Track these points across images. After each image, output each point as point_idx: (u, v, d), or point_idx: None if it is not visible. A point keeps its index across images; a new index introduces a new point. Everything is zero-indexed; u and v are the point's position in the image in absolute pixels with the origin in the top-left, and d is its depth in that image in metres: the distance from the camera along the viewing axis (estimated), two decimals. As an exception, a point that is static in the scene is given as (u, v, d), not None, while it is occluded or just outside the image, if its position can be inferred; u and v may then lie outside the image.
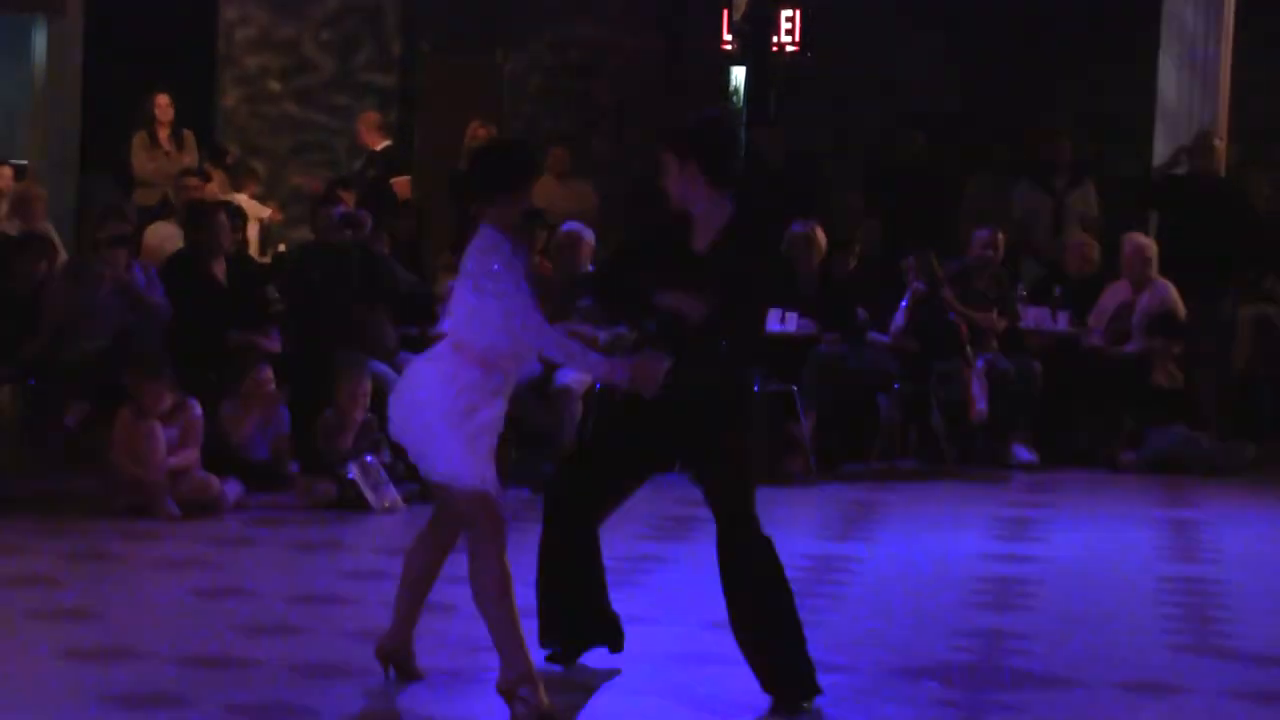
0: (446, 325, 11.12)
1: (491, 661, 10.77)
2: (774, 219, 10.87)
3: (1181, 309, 19.55)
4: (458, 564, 13.44)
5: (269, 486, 15.35)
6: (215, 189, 20.07)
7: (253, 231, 19.59)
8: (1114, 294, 19.86)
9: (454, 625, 11.80)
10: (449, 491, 10.15)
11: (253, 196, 20.67)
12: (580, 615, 11.05)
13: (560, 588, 10.94)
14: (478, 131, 22.95)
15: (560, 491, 11.09)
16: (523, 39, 25.09)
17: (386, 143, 22.36)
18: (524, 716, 9.43)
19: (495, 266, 9.78)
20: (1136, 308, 19.60)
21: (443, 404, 9.91)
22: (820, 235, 18.88)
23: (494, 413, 10.17)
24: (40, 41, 23.11)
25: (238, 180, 21.06)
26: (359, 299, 16.58)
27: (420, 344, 16.91)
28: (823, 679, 10.82)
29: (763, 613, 10.48)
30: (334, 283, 16.54)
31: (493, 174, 10.48)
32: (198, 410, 15.17)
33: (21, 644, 11.10)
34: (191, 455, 14.94)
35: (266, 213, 20.47)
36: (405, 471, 15.77)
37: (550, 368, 16.82)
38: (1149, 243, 20.05)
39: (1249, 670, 11.53)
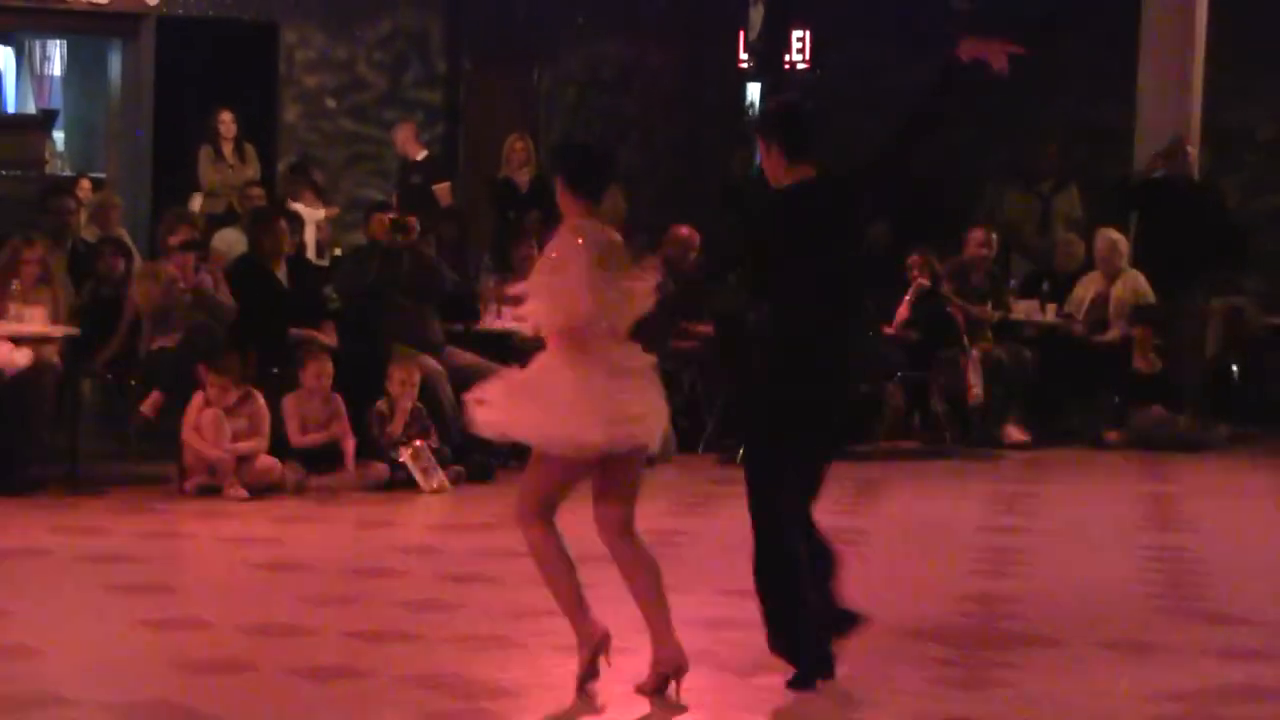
0: None
1: (535, 628, 10.81)
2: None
3: (1152, 297, 19.58)
4: (500, 538, 13.48)
5: (327, 469, 15.34)
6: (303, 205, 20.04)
7: (310, 235, 19.55)
8: (1088, 285, 19.91)
9: (500, 595, 11.82)
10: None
11: (308, 204, 20.62)
12: None
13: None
14: (516, 144, 22.94)
15: None
16: (556, 57, 25.08)
17: (425, 153, 22.33)
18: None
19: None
20: (1112, 297, 19.65)
21: None
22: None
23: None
24: (116, 63, 23.10)
25: (296, 189, 21.02)
26: (408, 297, 16.56)
27: (464, 339, 16.96)
28: (834, 641, 10.87)
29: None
30: (386, 283, 16.52)
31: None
32: (261, 401, 15.21)
33: (102, 614, 11.11)
34: (257, 442, 14.96)
35: (321, 214, 20.39)
36: (451, 456, 15.84)
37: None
38: (1120, 237, 20.08)
39: (1222, 630, 11.52)
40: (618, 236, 10.04)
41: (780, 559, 10.12)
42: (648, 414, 9.90)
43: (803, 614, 10.04)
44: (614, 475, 10.01)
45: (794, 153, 10.61)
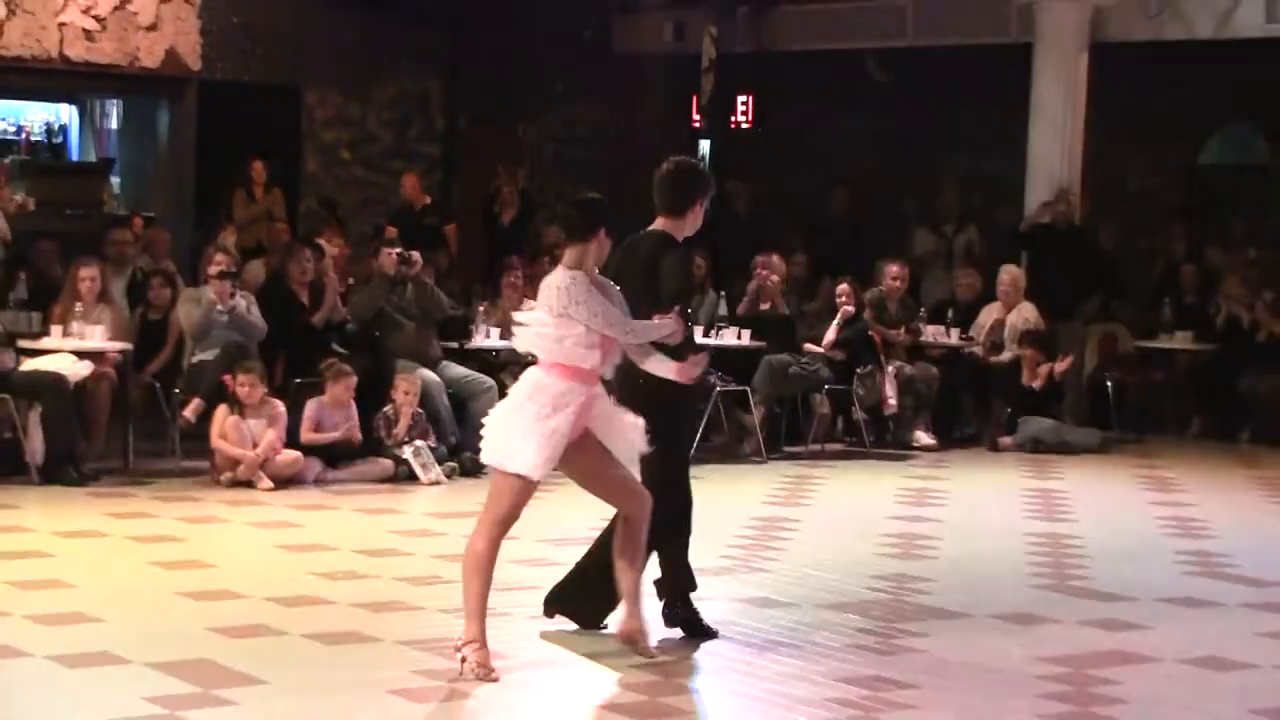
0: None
1: (523, 600, 10.81)
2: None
3: (1041, 324, 19.64)
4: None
5: (342, 464, 15.33)
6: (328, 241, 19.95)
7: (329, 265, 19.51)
8: (990, 313, 19.97)
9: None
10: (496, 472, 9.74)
11: (329, 239, 20.57)
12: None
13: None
14: (505, 186, 22.93)
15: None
16: (539, 117, 25.09)
17: (427, 200, 22.30)
18: (468, 672, 9.08)
19: (578, 299, 9.60)
20: (1007, 324, 19.72)
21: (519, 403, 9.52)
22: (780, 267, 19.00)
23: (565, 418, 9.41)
24: (164, 120, 23.06)
25: (317, 226, 21.03)
26: (411, 320, 16.56)
27: (458, 355, 16.97)
28: (768, 614, 10.88)
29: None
30: (392, 307, 16.53)
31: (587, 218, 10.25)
32: (281, 407, 15.21)
33: (148, 587, 11.10)
34: (274, 438, 14.94)
35: (336, 250, 20.36)
36: (446, 454, 15.84)
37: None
38: (1019, 273, 20.15)
39: (1097, 604, 11.54)
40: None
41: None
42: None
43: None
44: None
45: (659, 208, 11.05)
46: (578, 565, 10.62)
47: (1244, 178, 24.40)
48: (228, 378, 15.27)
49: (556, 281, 9.73)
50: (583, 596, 10.42)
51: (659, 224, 10.83)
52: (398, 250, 16.97)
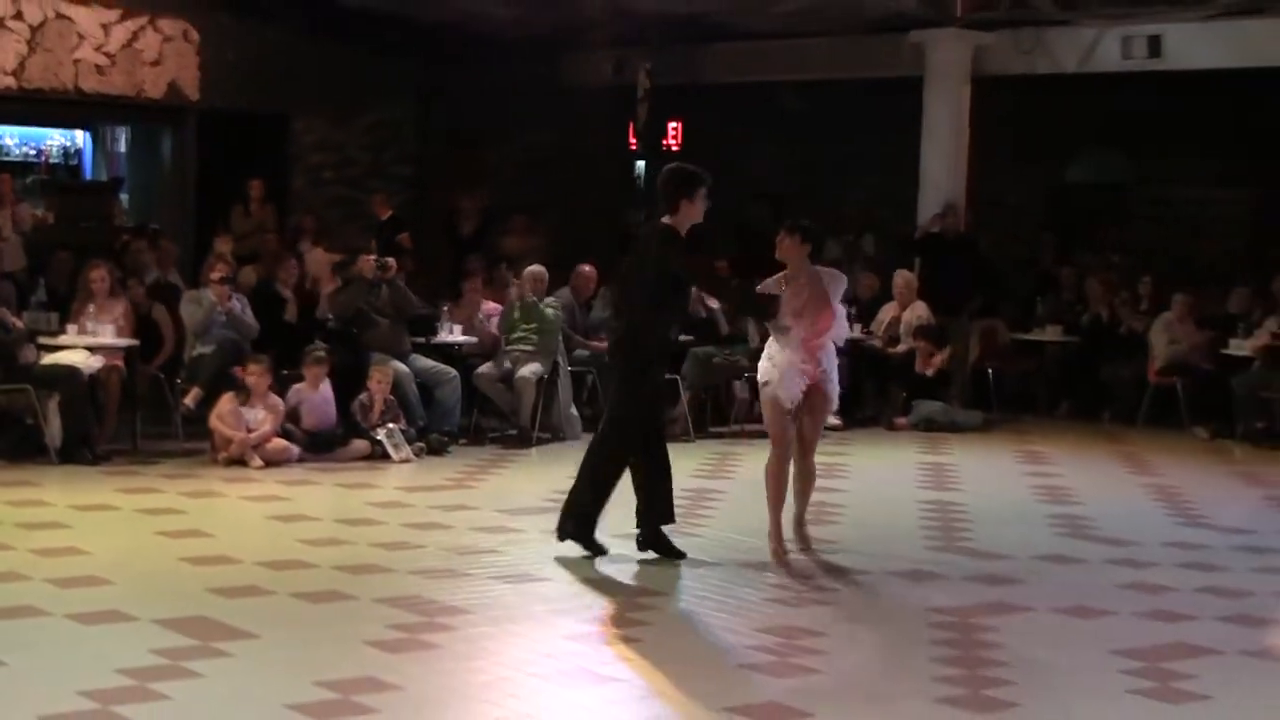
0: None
1: (479, 562, 10.81)
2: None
3: (931, 319, 19.67)
4: (452, 496, 13.45)
5: (324, 445, 15.26)
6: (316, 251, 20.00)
7: (316, 272, 19.41)
8: (887, 310, 20.01)
9: (452, 538, 11.78)
10: None
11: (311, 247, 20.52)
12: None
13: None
14: (466, 202, 22.91)
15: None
16: (501, 141, 25.02)
17: (390, 213, 22.26)
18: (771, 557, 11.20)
19: None
20: (903, 320, 19.74)
21: None
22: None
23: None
24: (167, 144, 23.01)
25: (300, 235, 21.02)
26: (386, 318, 16.52)
27: (425, 349, 16.94)
28: (697, 573, 10.88)
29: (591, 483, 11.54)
30: (369, 307, 16.48)
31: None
32: (281, 403, 15.14)
33: (153, 553, 11.03)
34: (270, 430, 14.88)
35: (329, 258, 20.27)
36: (415, 435, 15.79)
37: (517, 364, 16.83)
38: (912, 276, 20.18)
39: (980, 562, 11.55)
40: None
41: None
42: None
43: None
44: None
45: (663, 204, 11.48)
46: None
47: (1104, 194, 24.52)
48: (239, 369, 15.28)
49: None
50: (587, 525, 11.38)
51: (665, 219, 11.37)
52: (374, 257, 16.97)
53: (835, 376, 11.70)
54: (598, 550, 11.33)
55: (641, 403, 11.38)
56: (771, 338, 11.61)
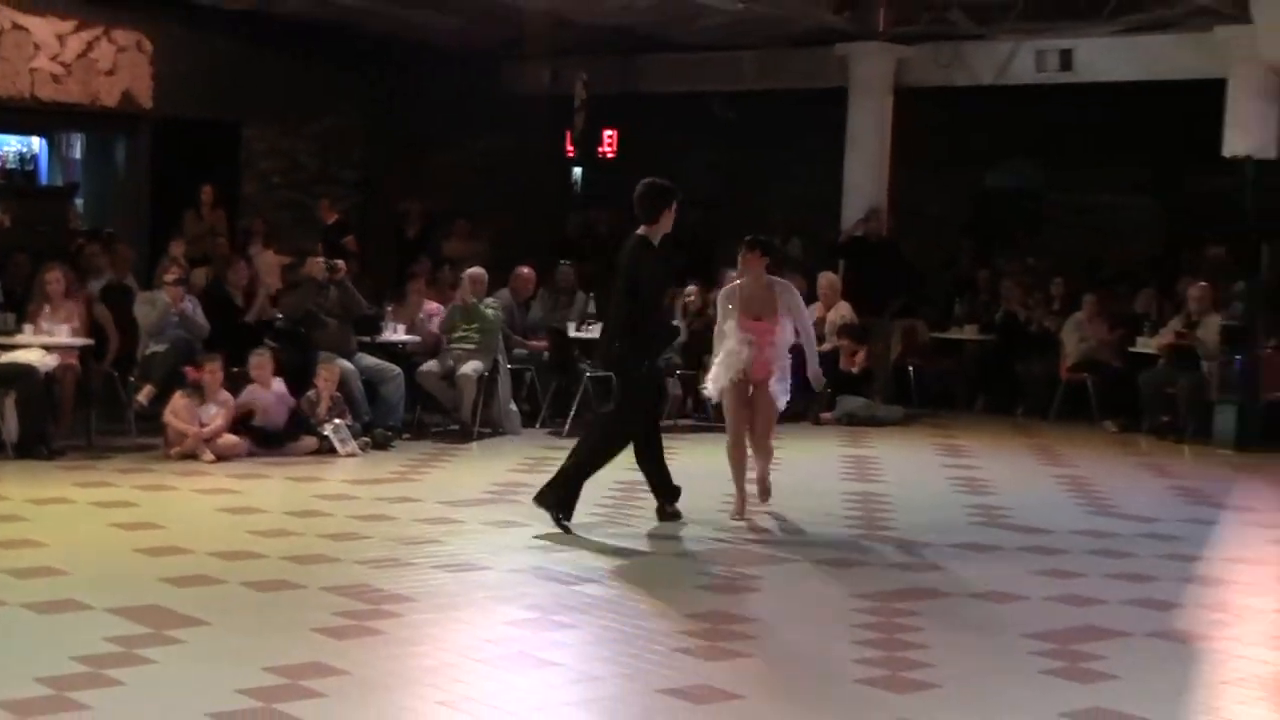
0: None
1: (422, 552, 10.78)
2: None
3: (855, 319, 19.73)
4: (396, 489, 13.43)
5: (273, 441, 15.21)
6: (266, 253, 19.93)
7: (266, 274, 19.31)
8: (812, 311, 20.01)
9: (396, 529, 11.76)
10: None
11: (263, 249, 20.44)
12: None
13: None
14: (411, 207, 22.89)
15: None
16: (445, 147, 24.97)
17: (336, 217, 22.22)
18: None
19: None
20: (827, 320, 19.79)
21: None
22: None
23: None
24: (122, 151, 22.90)
25: (250, 238, 20.94)
26: (333, 318, 16.49)
27: (369, 347, 16.90)
28: (629, 562, 10.91)
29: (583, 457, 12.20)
30: (318, 307, 16.45)
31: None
32: (232, 399, 15.07)
33: (108, 545, 10.97)
34: (221, 425, 14.82)
35: (278, 260, 20.18)
36: (360, 430, 15.75)
37: (459, 362, 16.81)
38: (836, 278, 20.22)
39: (901, 550, 11.60)
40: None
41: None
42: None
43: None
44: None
45: (642, 217, 12.32)
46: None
47: (1019, 200, 24.64)
48: (191, 368, 15.19)
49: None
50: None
51: (640, 230, 12.21)
52: (323, 259, 16.95)
53: (784, 379, 12.68)
54: (565, 528, 11.77)
55: (641, 394, 12.18)
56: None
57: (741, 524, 12.43)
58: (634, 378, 12.02)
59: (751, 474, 12.88)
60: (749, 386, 12.65)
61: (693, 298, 18.56)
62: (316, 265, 16.75)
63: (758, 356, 12.52)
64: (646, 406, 12.39)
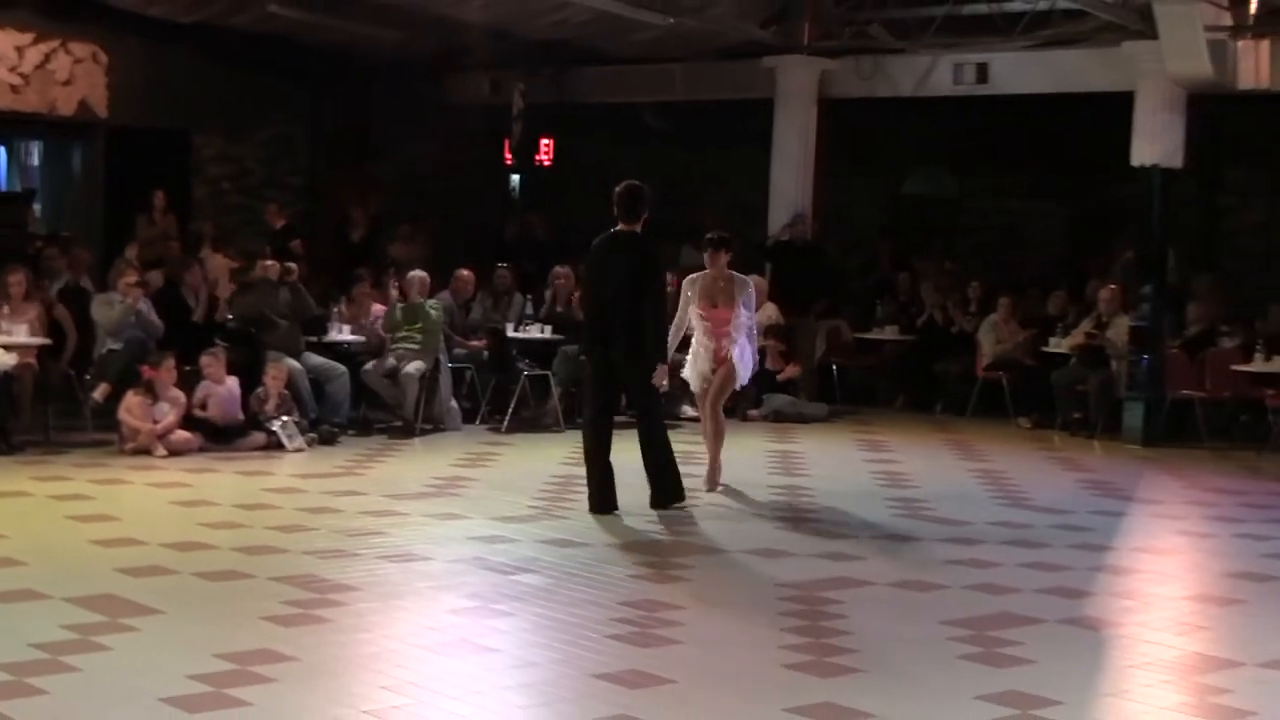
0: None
1: (367, 543, 10.77)
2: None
3: (782, 319, 19.75)
4: (342, 483, 13.38)
5: (224, 436, 15.15)
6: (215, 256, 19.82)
7: (216, 276, 19.19)
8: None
9: (342, 521, 11.72)
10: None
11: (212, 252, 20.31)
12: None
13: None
14: (356, 211, 22.82)
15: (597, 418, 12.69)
16: (386, 155, 24.86)
17: (283, 221, 22.13)
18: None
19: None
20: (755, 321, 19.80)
21: None
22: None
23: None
24: (78, 157, 22.75)
25: (201, 241, 20.81)
26: (284, 319, 16.45)
27: (316, 347, 16.85)
28: (566, 552, 10.88)
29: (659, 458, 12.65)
30: (269, 308, 16.41)
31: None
32: (183, 397, 15.00)
33: (64, 536, 10.92)
34: (173, 421, 14.75)
35: (227, 263, 20.05)
36: (308, 427, 15.71)
37: (402, 361, 16.77)
38: (763, 280, 20.20)
39: (825, 541, 11.63)
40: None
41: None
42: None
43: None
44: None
45: (623, 216, 12.69)
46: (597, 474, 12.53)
47: (937, 206, 24.73)
48: (147, 367, 15.08)
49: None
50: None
51: (622, 228, 12.66)
52: (275, 261, 16.92)
53: (745, 357, 13.71)
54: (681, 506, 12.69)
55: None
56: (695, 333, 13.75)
57: (715, 494, 13.55)
58: (652, 365, 12.55)
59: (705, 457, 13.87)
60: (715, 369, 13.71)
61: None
62: (273, 268, 16.72)
63: (717, 345, 13.64)
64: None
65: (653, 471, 12.64)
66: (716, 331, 13.66)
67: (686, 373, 14.03)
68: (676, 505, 12.66)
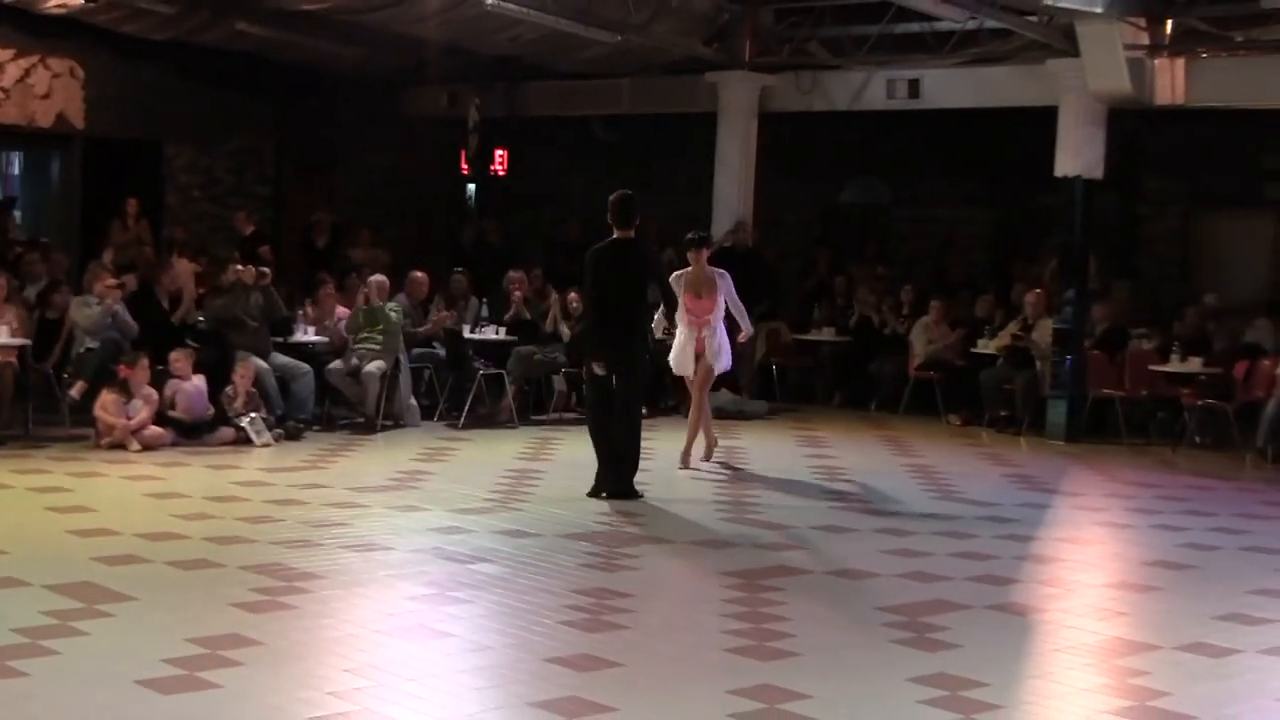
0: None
1: (332, 534, 10.74)
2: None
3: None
4: (308, 476, 13.35)
5: (194, 432, 15.09)
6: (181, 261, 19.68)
7: (183, 279, 19.06)
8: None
9: (308, 513, 11.70)
10: None
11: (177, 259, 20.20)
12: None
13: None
14: (319, 219, 22.76)
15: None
16: (347, 164, 24.79)
17: (252, 228, 22.03)
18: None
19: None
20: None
21: None
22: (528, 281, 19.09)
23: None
24: (56, 167, 22.64)
25: (173, 247, 20.70)
26: (254, 320, 16.41)
27: (283, 347, 16.80)
28: (520, 543, 10.89)
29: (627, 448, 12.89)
30: (241, 310, 16.37)
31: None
32: (155, 395, 14.93)
33: (43, 526, 10.87)
34: (146, 418, 14.69)
35: (193, 267, 19.95)
36: (274, 423, 15.66)
37: (364, 360, 16.74)
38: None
39: (766, 531, 11.65)
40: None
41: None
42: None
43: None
44: None
45: (618, 224, 12.96)
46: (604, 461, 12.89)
47: (871, 214, 24.78)
48: (123, 365, 14.99)
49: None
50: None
51: (618, 235, 12.99)
52: (251, 266, 16.90)
53: (722, 346, 14.68)
54: (636, 495, 12.86)
55: (642, 379, 13.32)
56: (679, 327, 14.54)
57: (713, 464, 14.83)
58: (641, 364, 13.16)
59: (699, 440, 14.87)
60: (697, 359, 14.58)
61: (575, 303, 18.53)
62: (247, 273, 16.70)
63: (699, 335, 14.53)
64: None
65: (613, 459, 12.85)
66: (699, 322, 14.54)
67: (671, 359, 14.87)
68: (622, 499, 12.76)
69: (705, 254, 14.78)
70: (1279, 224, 21.50)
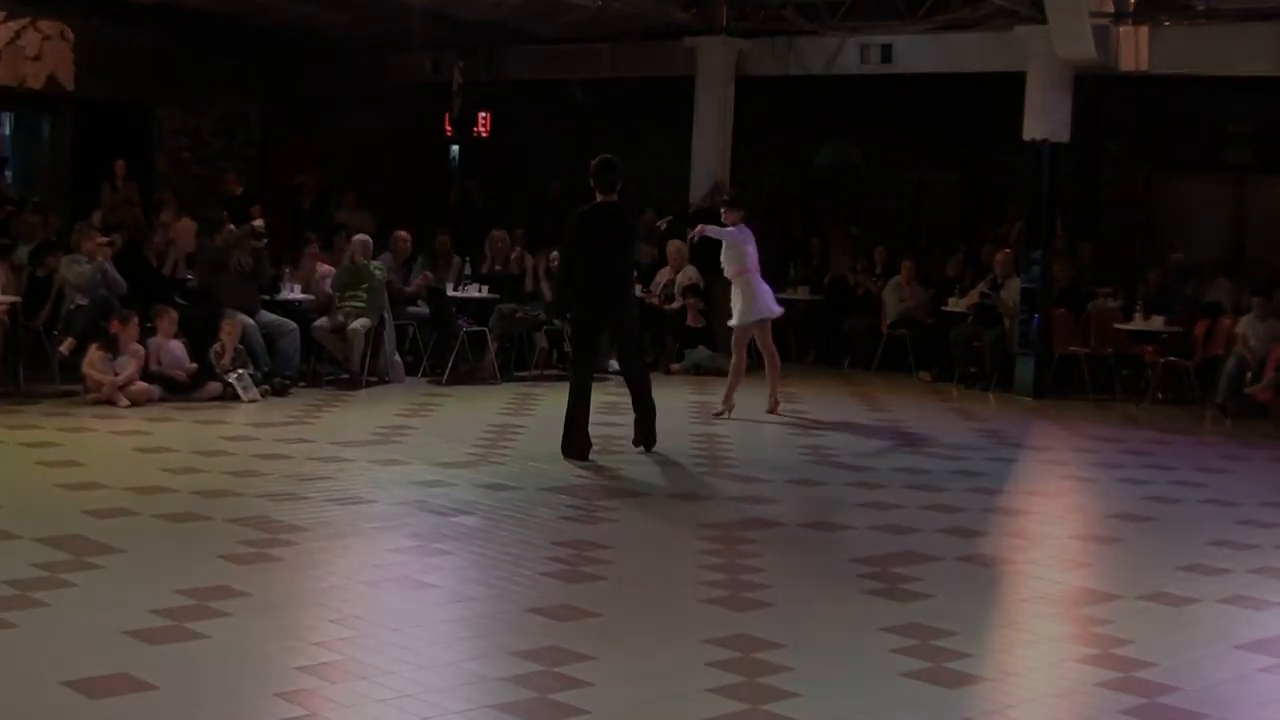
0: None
1: (316, 487, 10.70)
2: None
3: (702, 282, 19.68)
4: (293, 431, 13.29)
5: (182, 388, 15.02)
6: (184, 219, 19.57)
7: (185, 237, 18.95)
8: (663, 274, 19.98)
9: (293, 466, 11.65)
10: None
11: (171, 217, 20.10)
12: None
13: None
14: (305, 180, 22.68)
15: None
16: (336, 128, 24.69)
17: (241, 189, 21.92)
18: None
19: None
20: (675, 281, 19.74)
21: None
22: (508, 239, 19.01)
23: None
24: (46, 129, 22.54)
25: (161, 207, 20.61)
26: (243, 279, 16.34)
27: (269, 305, 16.73)
28: (501, 496, 10.85)
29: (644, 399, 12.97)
30: (232, 268, 16.30)
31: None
32: (142, 350, 14.87)
33: (34, 480, 10.81)
34: (133, 374, 14.61)
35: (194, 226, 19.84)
36: (261, 379, 15.59)
37: (349, 318, 16.68)
38: (683, 244, 20.06)
39: (742, 485, 11.63)
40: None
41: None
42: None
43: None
44: None
45: (601, 188, 12.77)
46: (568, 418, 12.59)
47: (844, 176, 24.75)
48: (114, 321, 14.92)
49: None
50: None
51: (601, 199, 12.78)
52: (247, 226, 16.85)
53: (760, 292, 15.40)
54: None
55: (636, 334, 13.40)
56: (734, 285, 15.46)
57: (724, 411, 15.44)
58: (634, 320, 13.19)
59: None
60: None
61: (555, 261, 18.47)
62: (258, 224, 16.74)
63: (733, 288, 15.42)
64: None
65: (639, 414, 13.00)
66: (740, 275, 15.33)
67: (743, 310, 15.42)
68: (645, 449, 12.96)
69: (738, 215, 15.58)
70: (1238, 188, 21.55)
